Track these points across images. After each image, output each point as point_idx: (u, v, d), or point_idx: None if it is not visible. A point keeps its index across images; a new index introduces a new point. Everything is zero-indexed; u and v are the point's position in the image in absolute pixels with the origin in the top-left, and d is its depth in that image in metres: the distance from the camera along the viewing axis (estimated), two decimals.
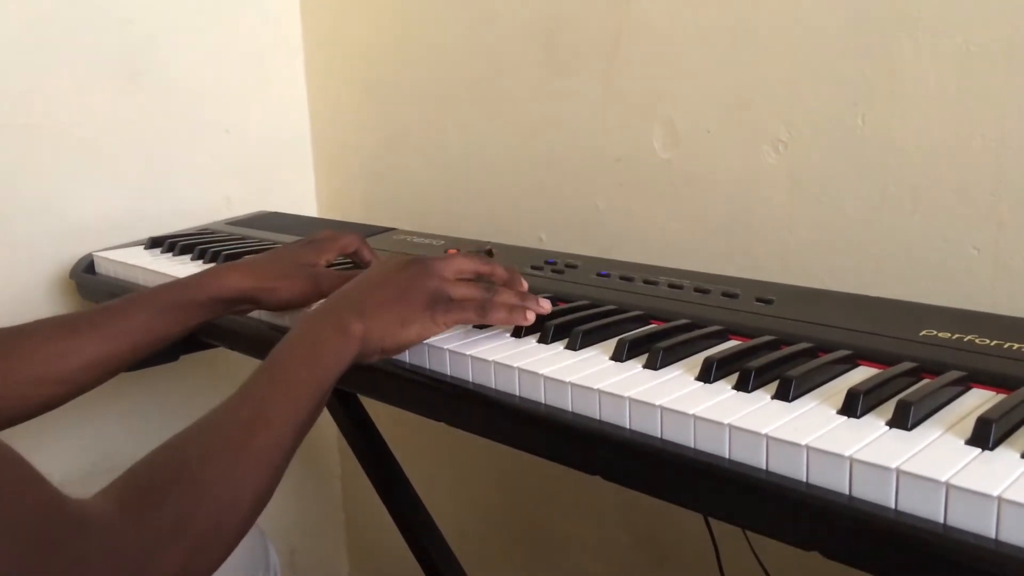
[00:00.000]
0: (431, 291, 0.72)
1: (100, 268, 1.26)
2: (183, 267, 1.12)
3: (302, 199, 1.64)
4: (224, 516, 0.55)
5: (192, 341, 1.08)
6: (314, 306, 0.86)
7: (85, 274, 1.26)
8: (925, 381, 0.59)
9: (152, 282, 1.09)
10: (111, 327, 0.80)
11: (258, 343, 0.92)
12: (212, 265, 1.04)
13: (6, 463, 0.48)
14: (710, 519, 0.95)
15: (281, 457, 0.61)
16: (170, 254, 1.21)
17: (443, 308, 0.72)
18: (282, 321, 0.90)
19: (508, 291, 0.76)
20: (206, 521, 0.54)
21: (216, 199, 1.50)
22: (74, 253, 1.31)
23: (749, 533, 0.86)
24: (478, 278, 0.77)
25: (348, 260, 0.98)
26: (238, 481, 0.57)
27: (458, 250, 0.83)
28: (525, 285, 0.81)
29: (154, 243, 1.27)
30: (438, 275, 0.74)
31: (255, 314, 0.93)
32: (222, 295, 0.84)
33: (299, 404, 0.63)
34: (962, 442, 0.50)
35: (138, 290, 0.95)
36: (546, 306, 0.76)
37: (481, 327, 0.78)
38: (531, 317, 0.74)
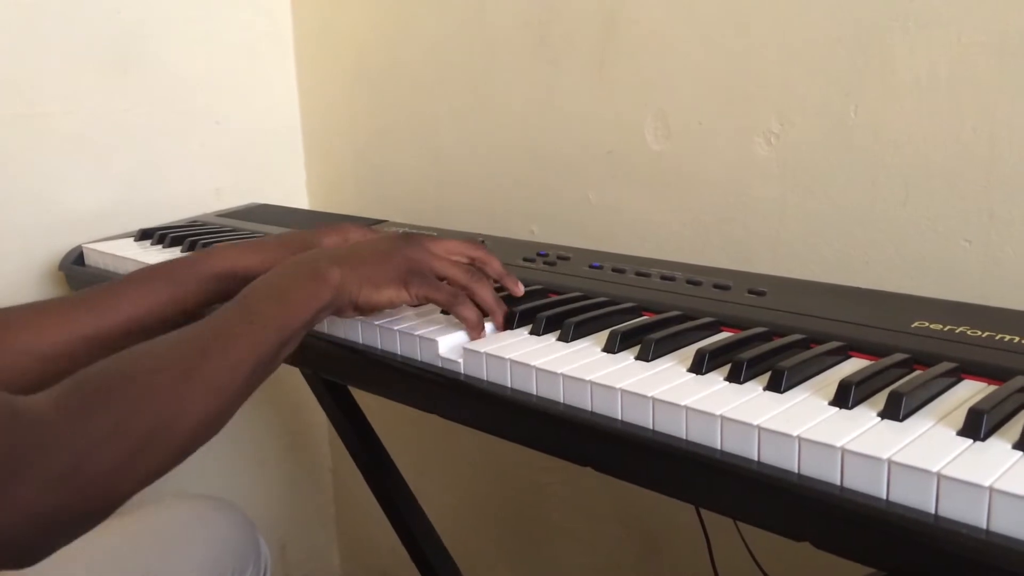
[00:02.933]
0: (412, 259, 0.74)
1: (90, 260, 1.25)
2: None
3: (293, 191, 1.63)
4: (165, 427, 0.55)
5: None
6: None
7: (75, 266, 1.25)
8: (917, 372, 0.59)
9: None
10: (104, 302, 0.79)
11: None
12: None
13: None
14: (702, 510, 0.96)
15: (234, 384, 0.60)
16: (160, 246, 1.20)
17: (418, 279, 0.73)
18: None
19: (489, 288, 0.76)
20: (145, 427, 0.54)
21: (206, 191, 1.49)
22: (64, 245, 1.31)
23: (741, 524, 0.86)
24: (471, 263, 0.78)
25: None
26: (184, 396, 0.57)
27: (476, 243, 0.82)
28: (521, 289, 0.80)
29: (144, 235, 1.26)
30: (426, 249, 0.75)
31: None
32: (223, 271, 0.82)
33: (261, 336, 0.63)
34: (954, 433, 0.50)
35: None
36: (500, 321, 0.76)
37: None
38: (484, 334, 0.74)
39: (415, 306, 0.78)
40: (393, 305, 0.74)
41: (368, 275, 0.72)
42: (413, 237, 0.76)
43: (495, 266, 0.79)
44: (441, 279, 0.75)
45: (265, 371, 0.64)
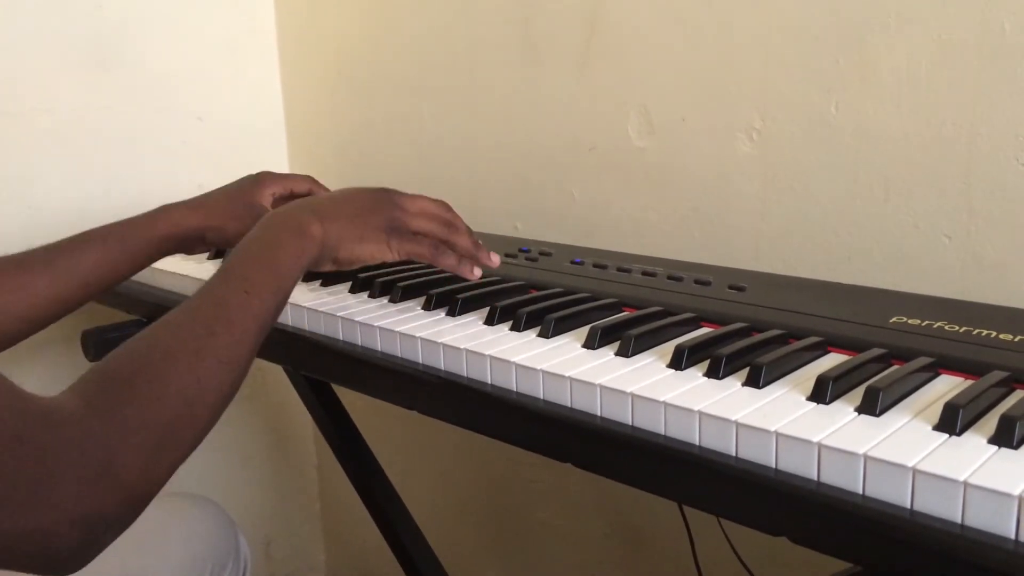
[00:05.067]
0: (392, 218, 0.76)
1: None
2: None
3: None
4: (188, 411, 0.56)
5: (160, 311, 1.08)
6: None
7: None
8: (894, 367, 0.59)
9: None
10: (61, 265, 0.81)
11: None
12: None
13: None
14: (684, 508, 0.96)
15: (242, 355, 0.61)
16: None
17: (399, 236, 0.76)
18: None
19: (465, 236, 0.79)
20: (170, 415, 0.54)
21: (189, 187, 1.47)
22: (44, 241, 1.28)
23: (723, 520, 0.87)
24: (439, 219, 0.80)
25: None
26: (200, 377, 0.57)
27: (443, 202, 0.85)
28: (489, 256, 0.83)
29: None
30: (401, 207, 0.77)
31: None
32: (171, 232, 0.86)
33: (259, 304, 0.64)
34: (930, 428, 0.50)
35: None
36: (495, 260, 0.81)
37: (453, 314, 0.77)
38: (477, 273, 0.79)
39: (393, 263, 0.81)
40: (374, 260, 0.76)
41: (349, 230, 0.73)
42: (387, 194, 0.78)
43: (461, 225, 0.82)
44: (416, 234, 0.78)
45: (265, 332, 0.65)
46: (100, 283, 0.83)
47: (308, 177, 0.98)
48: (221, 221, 0.88)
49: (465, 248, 0.79)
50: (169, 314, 0.61)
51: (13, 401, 0.48)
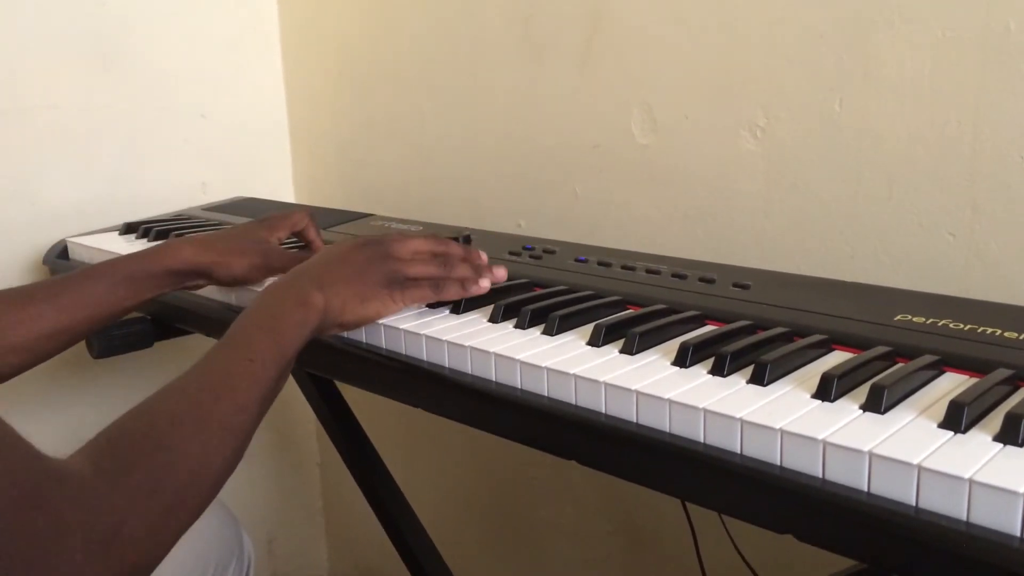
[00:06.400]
0: (388, 271, 0.75)
1: (74, 254, 1.24)
2: None
3: (279, 185, 1.62)
4: (194, 477, 0.56)
5: (166, 327, 1.08)
6: (270, 280, 0.88)
7: (59, 260, 1.25)
8: (899, 365, 0.59)
9: None
10: (67, 298, 0.81)
11: None
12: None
13: None
14: (687, 504, 0.96)
15: (246, 422, 0.61)
16: (144, 240, 1.20)
17: (400, 287, 0.76)
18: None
19: (463, 265, 0.79)
20: (178, 481, 0.55)
21: (191, 185, 1.49)
22: (48, 239, 1.30)
23: (726, 518, 0.87)
24: (434, 258, 0.80)
25: (299, 240, 1.01)
26: (206, 443, 0.58)
27: (434, 235, 0.85)
28: (484, 258, 0.83)
29: (129, 229, 1.25)
30: (394, 256, 0.77)
31: (224, 297, 0.92)
32: (176, 267, 0.87)
33: (262, 371, 0.64)
34: (935, 425, 0.50)
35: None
36: (501, 274, 0.81)
37: (456, 311, 0.78)
38: (485, 285, 0.78)
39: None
40: (380, 317, 0.76)
41: (351, 295, 0.73)
42: (379, 246, 0.77)
43: (456, 251, 0.81)
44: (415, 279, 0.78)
45: (269, 402, 0.65)
46: (104, 316, 0.84)
47: (305, 213, 0.98)
48: (227, 257, 0.88)
49: (463, 277, 0.78)
50: (175, 380, 0.61)
51: (31, 462, 0.48)
